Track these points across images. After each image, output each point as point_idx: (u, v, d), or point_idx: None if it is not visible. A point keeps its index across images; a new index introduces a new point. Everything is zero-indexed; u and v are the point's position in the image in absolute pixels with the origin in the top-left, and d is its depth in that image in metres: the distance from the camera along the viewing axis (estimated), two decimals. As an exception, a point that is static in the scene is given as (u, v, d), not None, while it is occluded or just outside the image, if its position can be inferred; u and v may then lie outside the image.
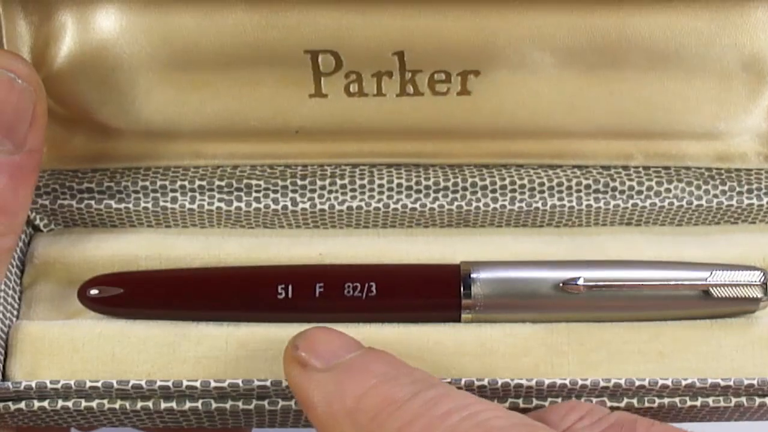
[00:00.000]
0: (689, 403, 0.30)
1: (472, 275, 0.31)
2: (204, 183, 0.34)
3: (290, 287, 0.30)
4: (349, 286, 0.30)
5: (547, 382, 0.29)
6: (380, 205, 0.33)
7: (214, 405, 0.30)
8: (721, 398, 0.30)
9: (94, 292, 0.31)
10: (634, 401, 0.30)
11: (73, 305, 0.32)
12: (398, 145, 0.35)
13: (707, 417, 0.31)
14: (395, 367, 0.26)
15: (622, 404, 0.30)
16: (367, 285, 0.30)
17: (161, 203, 0.33)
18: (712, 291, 0.30)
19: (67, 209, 0.33)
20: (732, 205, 0.34)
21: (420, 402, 0.24)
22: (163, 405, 0.30)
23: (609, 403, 0.30)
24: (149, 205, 0.33)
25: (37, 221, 0.34)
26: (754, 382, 0.29)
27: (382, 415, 0.24)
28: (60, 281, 0.33)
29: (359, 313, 0.31)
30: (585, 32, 0.32)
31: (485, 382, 0.29)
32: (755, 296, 0.30)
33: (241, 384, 0.29)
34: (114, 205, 0.33)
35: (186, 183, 0.34)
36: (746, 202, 0.34)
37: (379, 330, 0.31)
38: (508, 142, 0.35)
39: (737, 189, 0.34)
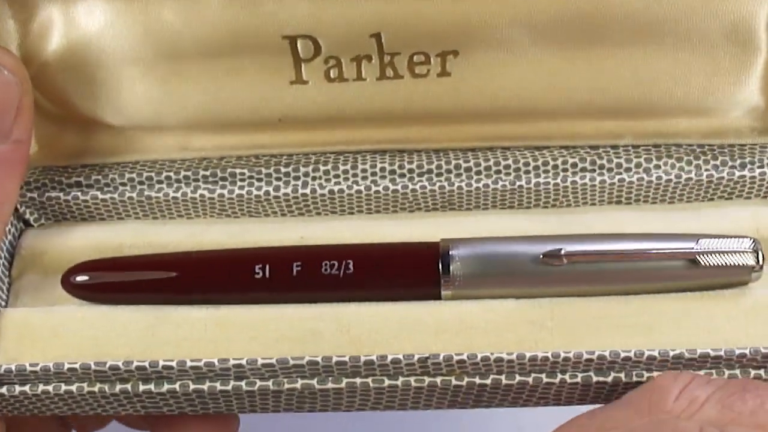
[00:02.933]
0: None
1: (451, 252, 0.30)
2: (189, 173, 0.34)
3: (267, 267, 0.30)
4: (326, 264, 0.30)
5: (528, 355, 0.28)
6: (362, 188, 0.33)
7: (191, 386, 0.29)
8: (713, 371, 0.29)
9: (75, 278, 0.31)
10: (622, 375, 0.29)
11: (58, 293, 0.32)
12: (382, 132, 0.34)
13: (702, 393, 0.30)
14: None
15: (609, 379, 0.29)
16: (344, 263, 0.30)
17: (146, 193, 0.34)
18: (700, 259, 0.29)
19: (55, 201, 0.34)
20: (723, 179, 0.33)
21: None
22: (142, 387, 0.30)
23: (595, 378, 0.29)
24: (134, 195, 0.34)
25: (27, 215, 0.34)
26: (746, 352, 0.28)
27: None
28: (46, 271, 0.33)
29: (337, 291, 0.30)
30: (562, 7, 0.31)
31: (464, 357, 0.28)
32: (746, 264, 0.29)
33: (216, 363, 0.29)
34: (100, 196, 0.34)
35: (171, 174, 0.34)
36: (738, 174, 0.33)
37: (358, 309, 0.30)
38: (493, 125, 0.34)
39: (730, 163, 0.33)
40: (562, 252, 0.29)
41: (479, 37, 0.32)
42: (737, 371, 0.29)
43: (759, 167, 0.33)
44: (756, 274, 0.30)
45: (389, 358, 0.29)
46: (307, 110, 0.34)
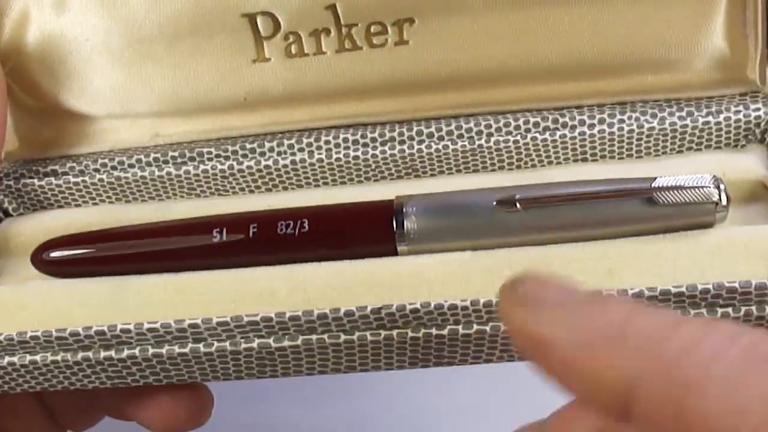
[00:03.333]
0: None
1: (405, 207, 0.30)
2: (158, 155, 0.35)
3: (224, 230, 0.30)
4: (282, 225, 0.30)
5: (483, 300, 0.27)
6: (323, 156, 0.33)
7: (151, 351, 0.29)
8: (678, 311, 0.27)
9: (42, 256, 0.32)
10: None
11: (29, 272, 0.33)
12: (345, 106, 0.35)
13: (671, 338, 0.28)
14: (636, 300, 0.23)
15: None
16: (299, 222, 0.30)
17: (116, 174, 0.34)
18: (658, 197, 0.28)
19: (30, 188, 0.35)
20: (687, 126, 0.32)
21: (695, 326, 0.20)
22: (103, 354, 0.30)
23: (556, 324, 0.28)
24: (104, 177, 0.34)
25: (6, 204, 0.35)
26: (710, 287, 0.27)
27: (656, 337, 0.20)
28: (19, 254, 0.34)
29: (294, 252, 0.30)
30: None
31: (418, 305, 0.28)
32: (708, 199, 0.28)
33: (173, 324, 0.29)
34: (72, 180, 0.35)
35: (142, 157, 0.35)
36: (702, 121, 0.32)
37: (314, 268, 0.30)
38: (454, 93, 0.34)
39: (695, 113, 0.32)
40: (516, 197, 0.29)
41: (433, 2, 0.32)
42: (703, 310, 0.27)
43: (725, 114, 0.32)
44: (720, 215, 0.29)
45: (342, 310, 0.28)
46: (271, 87, 0.34)
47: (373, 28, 0.33)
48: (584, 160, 0.33)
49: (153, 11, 0.33)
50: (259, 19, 0.33)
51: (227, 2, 0.33)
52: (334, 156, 0.33)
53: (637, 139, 0.32)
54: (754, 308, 0.27)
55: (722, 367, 0.19)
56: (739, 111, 0.32)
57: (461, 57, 0.33)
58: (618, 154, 0.33)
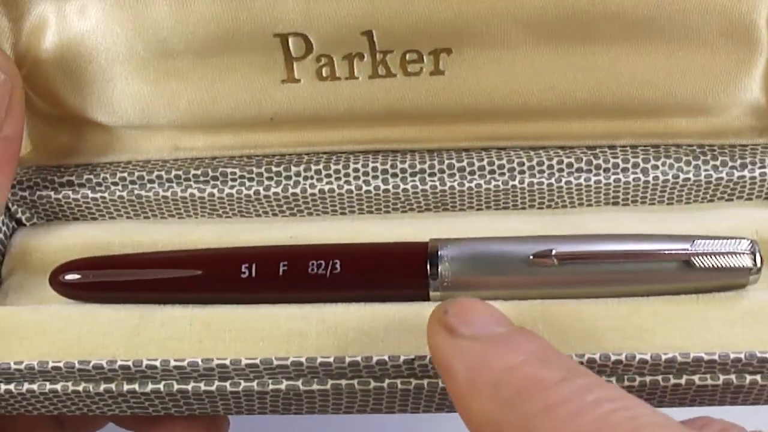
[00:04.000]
0: (673, 381, 0.28)
1: (440, 252, 0.29)
2: (180, 173, 0.34)
3: (254, 266, 0.30)
4: (313, 264, 0.30)
5: (515, 356, 0.28)
6: (353, 187, 0.33)
7: (176, 387, 0.29)
8: (708, 376, 0.28)
9: (63, 277, 0.31)
10: (613, 380, 0.28)
11: (46, 292, 0.32)
12: (375, 131, 0.34)
13: (697, 399, 0.29)
14: (546, 348, 0.24)
15: (599, 382, 0.28)
16: (331, 262, 0.30)
17: (137, 192, 0.34)
18: (695, 261, 0.28)
19: (47, 200, 0.34)
20: (722, 179, 0.32)
21: (570, 387, 0.22)
22: (126, 387, 0.29)
23: (585, 382, 0.28)
24: (125, 194, 0.34)
25: (19, 215, 0.34)
26: (742, 356, 0.27)
27: (528, 393, 0.22)
28: (36, 270, 0.33)
29: (324, 292, 0.30)
30: (556, 3, 0.31)
31: None
32: (743, 266, 0.28)
33: (200, 363, 0.29)
34: (90, 195, 0.34)
35: (163, 173, 0.34)
36: (738, 175, 0.32)
37: (345, 309, 0.30)
38: (487, 125, 0.34)
39: (730, 164, 0.32)
40: (553, 252, 0.29)
41: (472, 34, 0.31)
42: (732, 376, 0.28)
43: (760, 168, 0.32)
44: (754, 277, 0.29)
45: (374, 359, 0.28)
46: (299, 109, 0.33)
47: (408, 56, 0.32)
48: (616, 203, 0.33)
49: (180, 24, 0.32)
50: (291, 40, 0.32)
51: (260, 21, 0.31)
52: (364, 188, 0.33)
53: (671, 188, 0.32)
54: None
55: (571, 430, 0.21)
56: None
57: (496, 89, 0.33)
58: (650, 200, 0.33)
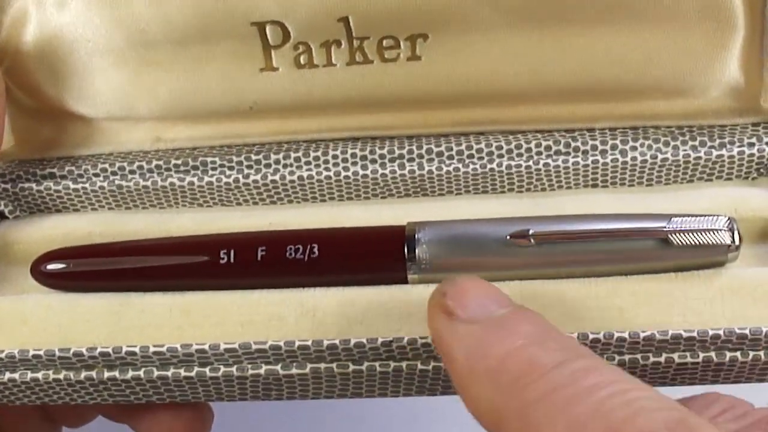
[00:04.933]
0: (652, 359, 0.28)
1: (417, 235, 0.29)
2: (161, 163, 0.34)
3: (232, 252, 0.30)
4: (291, 249, 0.30)
5: (494, 337, 0.28)
6: (332, 173, 0.33)
7: (156, 373, 0.29)
8: (687, 353, 0.28)
9: (43, 267, 0.31)
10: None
11: (28, 282, 0.32)
12: (353, 118, 0.34)
13: (678, 378, 0.28)
14: (545, 330, 0.24)
15: (579, 362, 0.28)
16: (309, 247, 0.30)
17: (117, 182, 0.34)
18: (672, 239, 0.28)
19: (29, 192, 0.34)
20: (701, 158, 0.32)
21: (567, 372, 0.22)
22: (106, 374, 0.29)
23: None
24: (105, 185, 0.34)
25: (2, 207, 0.34)
26: (721, 332, 0.27)
27: (525, 379, 0.22)
28: (18, 261, 0.33)
29: (303, 276, 0.30)
30: None
31: (429, 340, 0.28)
32: (721, 242, 0.28)
33: (179, 348, 0.29)
34: (72, 186, 0.34)
35: (144, 164, 0.34)
36: (716, 154, 0.32)
37: (324, 294, 0.30)
38: (465, 110, 0.34)
39: (708, 143, 0.32)
40: (530, 232, 0.29)
41: (448, 19, 0.31)
42: (712, 353, 0.27)
43: (738, 147, 0.32)
44: (733, 254, 0.29)
45: (352, 342, 0.28)
46: (278, 97, 0.33)
47: (385, 42, 0.32)
48: (595, 186, 0.33)
49: (158, 14, 0.32)
50: (268, 28, 0.32)
51: (237, 9, 0.32)
52: (343, 173, 0.33)
53: (650, 168, 0.32)
54: (762, 354, 0.27)
55: (566, 419, 0.21)
56: (753, 144, 0.32)
57: (474, 75, 0.33)
58: (629, 181, 0.33)
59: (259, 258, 0.30)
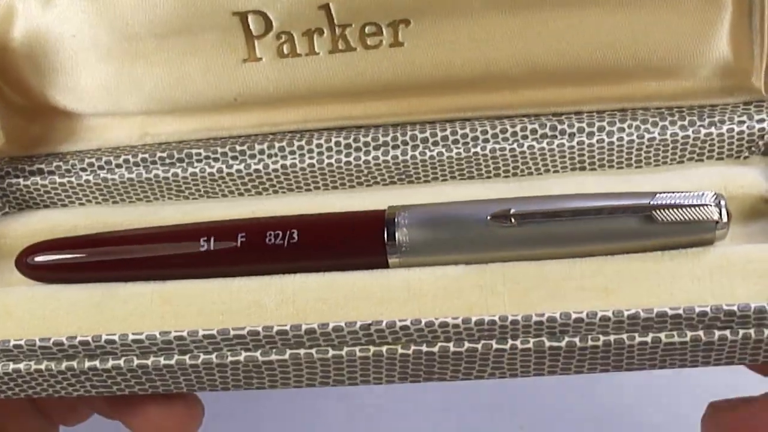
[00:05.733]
0: (638, 339, 0.27)
1: (397, 218, 0.29)
2: (146, 156, 0.34)
3: (212, 239, 0.30)
4: (270, 234, 0.29)
5: (474, 319, 0.27)
6: (315, 161, 0.33)
7: (136, 362, 0.29)
8: (675, 333, 0.27)
9: (27, 260, 0.31)
10: (576, 340, 0.27)
11: (14, 276, 0.32)
12: (338, 107, 0.34)
13: (667, 360, 0.28)
14: None
15: (563, 343, 0.27)
16: (288, 232, 0.29)
17: (102, 176, 0.34)
18: (657, 215, 0.27)
19: (16, 188, 0.34)
20: (689, 138, 0.31)
21: None
22: (87, 364, 0.29)
23: (548, 343, 0.27)
24: (91, 179, 0.34)
25: None
26: (708, 309, 0.26)
27: None
28: (3, 256, 0.33)
29: (283, 262, 0.30)
30: None
31: (408, 323, 0.27)
32: (708, 218, 0.27)
33: (158, 336, 0.28)
34: (58, 181, 0.34)
35: (130, 157, 0.34)
36: (704, 132, 0.31)
37: (304, 279, 0.29)
38: (451, 96, 0.33)
39: (698, 123, 0.31)
40: (511, 212, 0.28)
41: (429, 3, 0.31)
42: (700, 332, 0.27)
43: (728, 126, 0.31)
44: (721, 232, 0.28)
45: (331, 325, 0.28)
46: (262, 88, 0.33)
47: (367, 29, 0.32)
48: (582, 169, 0.32)
49: (141, 8, 0.32)
50: (250, 18, 0.32)
51: (219, 0, 0.32)
52: (326, 161, 0.33)
53: (637, 149, 0.31)
54: (752, 332, 0.26)
55: None
56: (743, 122, 0.31)
57: (458, 60, 0.32)
58: (617, 163, 0.32)
59: (239, 244, 0.30)
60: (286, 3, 0.31)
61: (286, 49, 0.33)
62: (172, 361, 0.29)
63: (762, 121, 0.31)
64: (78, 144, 0.35)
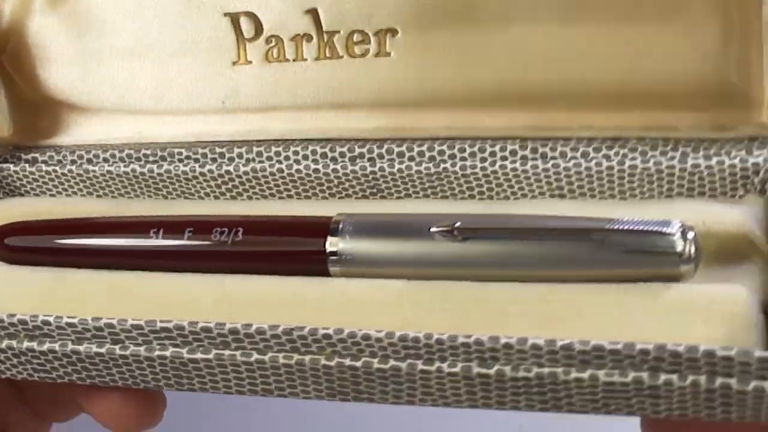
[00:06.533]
0: (574, 374, 0.24)
1: (341, 227, 0.28)
2: (132, 152, 0.34)
3: (161, 231, 0.29)
4: (217, 231, 0.29)
5: (398, 334, 0.25)
6: (284, 167, 0.32)
7: (70, 347, 0.28)
8: (616, 372, 0.24)
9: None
10: (507, 369, 0.24)
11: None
12: (323, 116, 0.33)
13: (611, 404, 0.24)
14: None
15: (492, 371, 0.24)
16: (234, 231, 0.29)
17: (84, 166, 0.34)
18: (611, 240, 0.25)
19: (6, 173, 0.35)
20: (677, 170, 0.28)
21: None
22: (26, 344, 0.29)
23: (477, 369, 0.25)
24: (73, 168, 0.34)
25: None
26: (649, 347, 0.23)
27: None
28: None
29: (227, 261, 0.29)
30: None
31: (330, 332, 0.25)
32: (671, 249, 0.24)
33: (90, 321, 0.28)
34: (44, 168, 0.35)
35: (116, 152, 0.34)
36: (696, 165, 0.28)
37: (244, 280, 0.28)
38: (435, 113, 0.32)
39: (691, 155, 0.28)
40: (455, 225, 0.26)
41: (417, 14, 0.30)
42: (644, 374, 0.23)
43: (722, 160, 0.28)
44: (687, 267, 0.25)
45: (254, 327, 0.26)
46: (251, 92, 0.33)
47: (355, 37, 0.31)
48: (561, 196, 0.30)
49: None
50: (242, 20, 0.32)
51: (210, 1, 0.32)
52: (304, 171, 0.32)
53: (619, 179, 0.29)
54: (702, 379, 0.23)
55: None
56: (736, 156, 0.28)
57: (445, 75, 0.31)
58: (599, 193, 0.29)
59: (186, 239, 0.29)
60: (276, 5, 0.31)
61: (275, 53, 0.32)
62: (103, 350, 0.28)
63: (759, 156, 0.28)
64: (80, 138, 0.36)
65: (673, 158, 0.28)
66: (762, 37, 0.28)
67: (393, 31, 0.31)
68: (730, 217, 0.27)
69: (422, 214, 0.28)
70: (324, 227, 0.28)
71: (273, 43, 0.32)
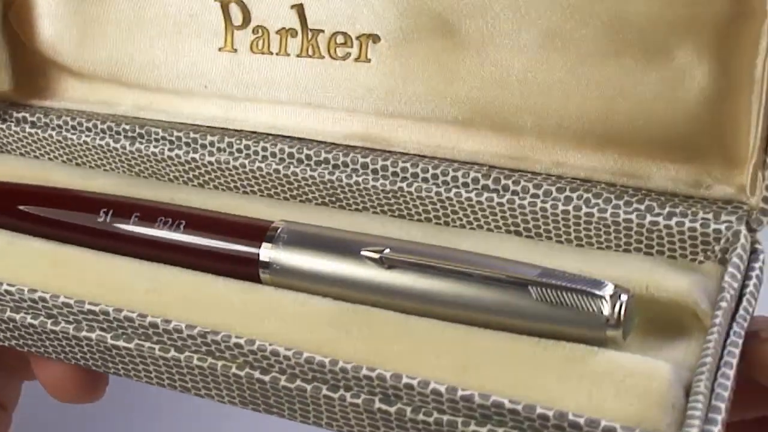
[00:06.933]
0: (473, 427, 0.23)
1: (279, 233, 0.27)
2: (112, 125, 0.34)
3: (110, 212, 0.29)
4: (161, 220, 0.29)
5: (305, 355, 0.24)
6: (255, 165, 0.31)
7: (7, 313, 0.29)
8: (501, 429, 0.22)
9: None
10: (408, 409, 0.23)
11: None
12: (298, 112, 0.32)
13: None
14: None
15: (393, 409, 0.23)
16: (177, 221, 0.28)
17: (63, 134, 0.34)
18: (534, 291, 0.23)
19: None
20: (632, 223, 0.26)
21: None
22: None
23: (378, 404, 0.24)
24: (53, 134, 0.34)
25: None
26: (550, 413, 0.22)
27: None
28: None
29: (167, 251, 0.29)
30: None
31: (242, 341, 0.25)
32: (597, 312, 0.23)
33: (26, 291, 0.28)
34: (28, 129, 0.35)
35: (98, 122, 0.34)
36: (656, 222, 0.26)
37: (177, 273, 0.28)
38: (409, 128, 0.31)
39: (656, 210, 0.26)
40: (384, 252, 0.25)
41: (399, 25, 0.29)
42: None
43: (683, 220, 0.26)
44: (613, 333, 0.23)
45: (172, 324, 0.26)
46: (232, 80, 0.33)
47: (338, 38, 0.30)
48: (518, 233, 0.28)
49: None
50: (231, 6, 0.32)
51: None
52: (265, 169, 0.31)
53: (575, 224, 0.27)
54: None
55: None
56: (700, 221, 0.26)
57: (420, 90, 0.30)
58: (556, 236, 0.28)
59: (131, 222, 0.29)
60: None
61: (260, 44, 0.32)
62: (36, 322, 0.28)
63: (727, 222, 0.25)
64: (70, 104, 0.36)
65: (636, 211, 0.27)
66: (752, 93, 0.26)
67: (375, 38, 0.30)
68: (678, 284, 0.25)
69: (358, 234, 0.27)
70: (262, 232, 0.27)
71: (259, 34, 0.32)
